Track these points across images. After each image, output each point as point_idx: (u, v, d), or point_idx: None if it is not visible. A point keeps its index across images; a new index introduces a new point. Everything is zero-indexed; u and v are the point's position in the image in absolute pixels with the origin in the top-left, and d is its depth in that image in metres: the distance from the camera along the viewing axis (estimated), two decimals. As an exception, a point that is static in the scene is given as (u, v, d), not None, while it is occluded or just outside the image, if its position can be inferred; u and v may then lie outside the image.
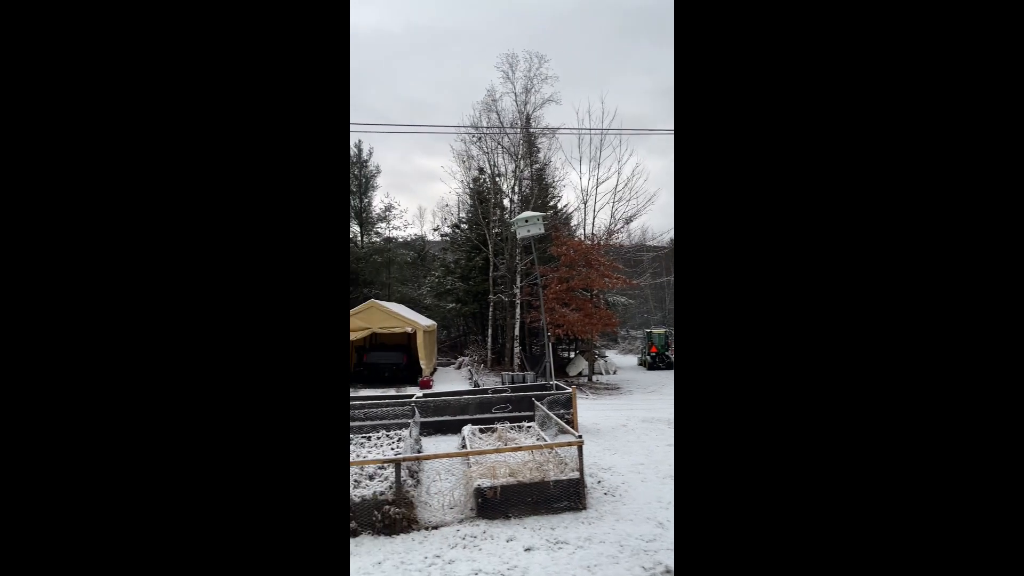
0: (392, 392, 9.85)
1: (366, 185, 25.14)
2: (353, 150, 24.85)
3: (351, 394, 9.49)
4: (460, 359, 16.69)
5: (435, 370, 13.19)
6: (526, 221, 11.23)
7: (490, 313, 16.27)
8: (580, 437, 4.55)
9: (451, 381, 12.52)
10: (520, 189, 16.57)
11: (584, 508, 4.17)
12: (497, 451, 4.49)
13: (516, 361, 14.38)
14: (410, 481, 4.35)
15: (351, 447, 5.43)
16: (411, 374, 12.28)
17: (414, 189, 45.29)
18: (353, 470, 4.46)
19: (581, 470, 4.30)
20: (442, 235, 24.08)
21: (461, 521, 3.99)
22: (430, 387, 10.88)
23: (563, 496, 4.15)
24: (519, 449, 4.54)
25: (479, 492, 4.06)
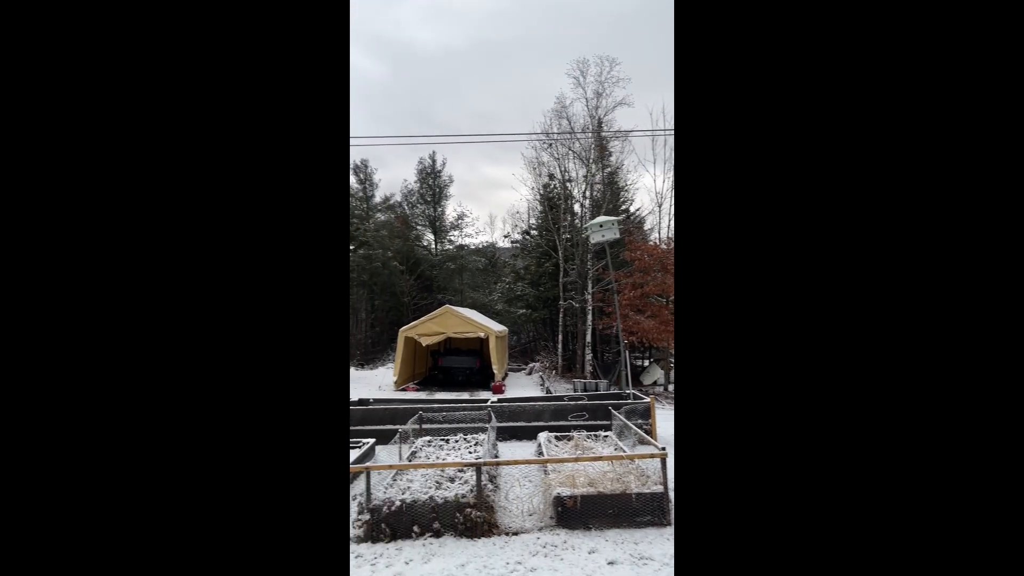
0: (466, 396, 10.04)
1: (439, 194, 25.98)
2: (427, 161, 25.78)
3: (428, 396, 9.78)
4: (531, 365, 16.70)
5: (506, 375, 13.29)
6: (600, 226, 11.05)
7: (560, 319, 16.16)
8: (663, 449, 4.37)
9: (522, 387, 12.55)
10: (591, 194, 16.37)
11: (669, 524, 3.99)
12: (576, 460, 4.42)
13: (588, 368, 14.16)
14: (490, 486, 4.39)
15: (431, 448, 5.58)
16: (483, 378, 12.46)
17: (481, 197, 46.27)
18: (434, 472, 4.57)
19: (665, 484, 4.12)
20: (512, 241, 24.30)
21: (541, 529, 3.95)
22: (502, 392, 10.97)
23: (646, 510, 4.00)
24: (599, 459, 4.43)
25: (559, 501, 4.01)
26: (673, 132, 14.85)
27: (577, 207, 17.25)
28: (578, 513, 3.95)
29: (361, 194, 26.06)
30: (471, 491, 3.99)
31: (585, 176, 16.31)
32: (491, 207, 56.90)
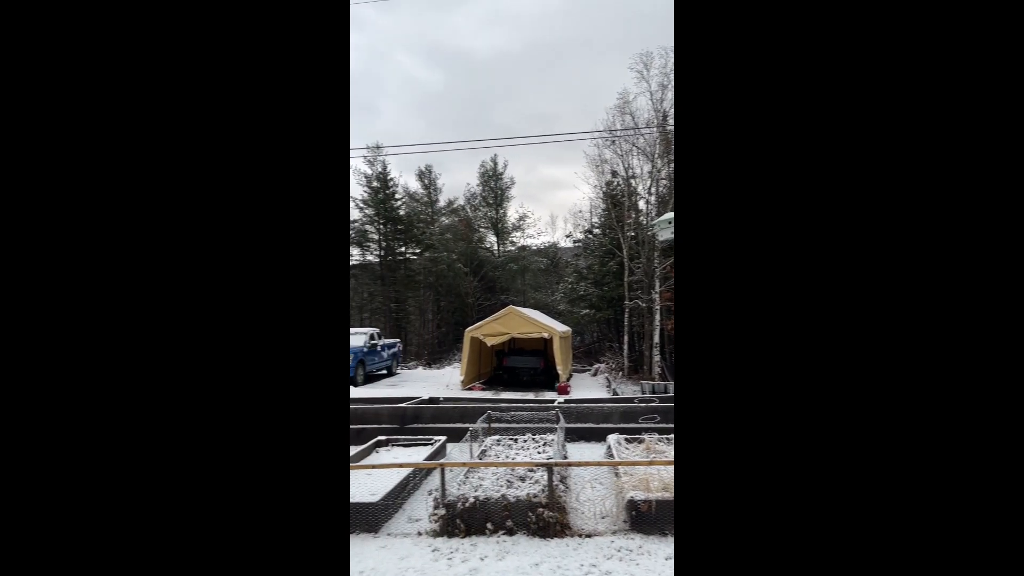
0: (531, 396, 10.07)
1: (501, 196, 26.27)
2: (488, 164, 26.15)
3: (494, 396, 9.90)
4: (595, 366, 16.47)
5: (571, 376, 13.19)
6: (669, 222, 10.70)
7: (626, 319, 15.81)
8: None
9: (587, 388, 12.40)
10: (657, 190, 15.89)
11: (752, 534, 3.78)
12: (651, 463, 4.30)
13: (656, 370, 13.75)
14: (561, 487, 4.37)
15: (500, 447, 5.65)
16: (548, 379, 12.43)
17: (541, 198, 46.25)
18: (504, 471, 4.62)
19: (747, 492, 3.91)
20: (574, 241, 24.11)
21: (614, 532, 3.88)
22: (568, 393, 10.90)
23: (726, 518, 3.81)
24: (674, 463, 4.29)
25: (632, 504, 3.92)
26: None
27: (642, 204, 16.82)
28: (653, 518, 3.84)
29: (426, 199, 26.87)
30: (543, 491, 3.99)
31: (650, 172, 15.86)
32: (552, 207, 56.77)
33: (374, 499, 4.06)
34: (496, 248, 26.42)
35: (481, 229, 26.70)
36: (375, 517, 3.97)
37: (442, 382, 12.98)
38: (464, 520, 3.88)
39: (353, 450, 5.87)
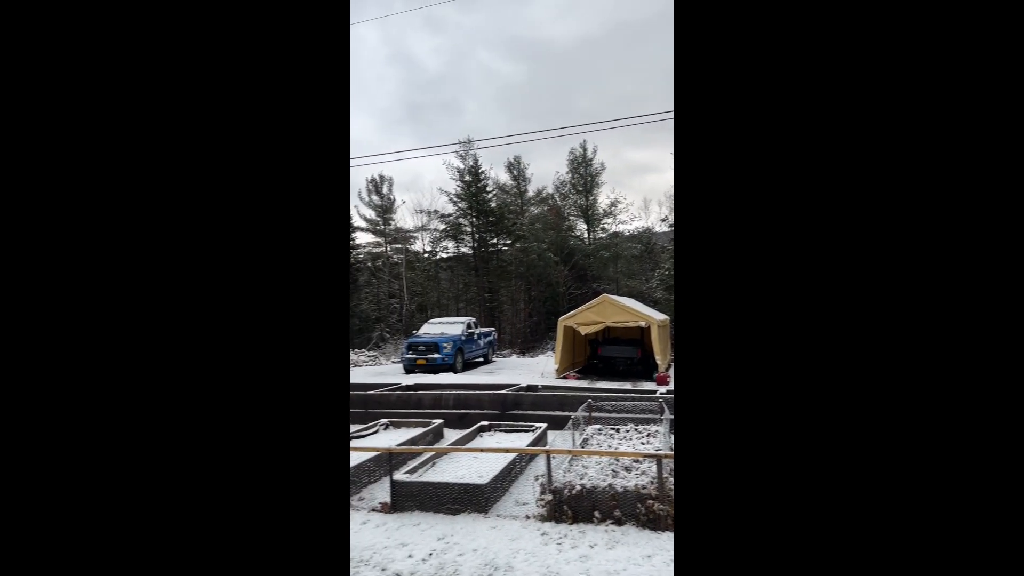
0: (628, 386, 9.84)
1: (591, 183, 25.79)
2: (578, 151, 25.75)
3: (590, 385, 9.81)
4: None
5: (670, 366, 12.68)
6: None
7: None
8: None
9: (689, 378, 11.82)
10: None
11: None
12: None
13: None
14: (670, 479, 4.22)
15: (601, 436, 5.59)
16: (645, 369, 12.07)
17: (628, 183, 44.72)
18: (607, 460, 4.56)
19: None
20: (670, 225, 23.04)
21: (731, 531, 3.68)
22: (667, 383, 10.49)
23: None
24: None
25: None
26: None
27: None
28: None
29: (515, 189, 27.15)
30: (651, 483, 3.89)
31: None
32: (643, 192, 54.75)
33: (482, 481, 4.22)
34: (587, 236, 26.05)
35: (571, 217, 26.46)
36: (484, 498, 4.12)
37: (536, 370, 13.12)
38: (571, 507, 3.90)
39: (458, 434, 6.15)
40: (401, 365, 14.08)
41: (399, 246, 30.01)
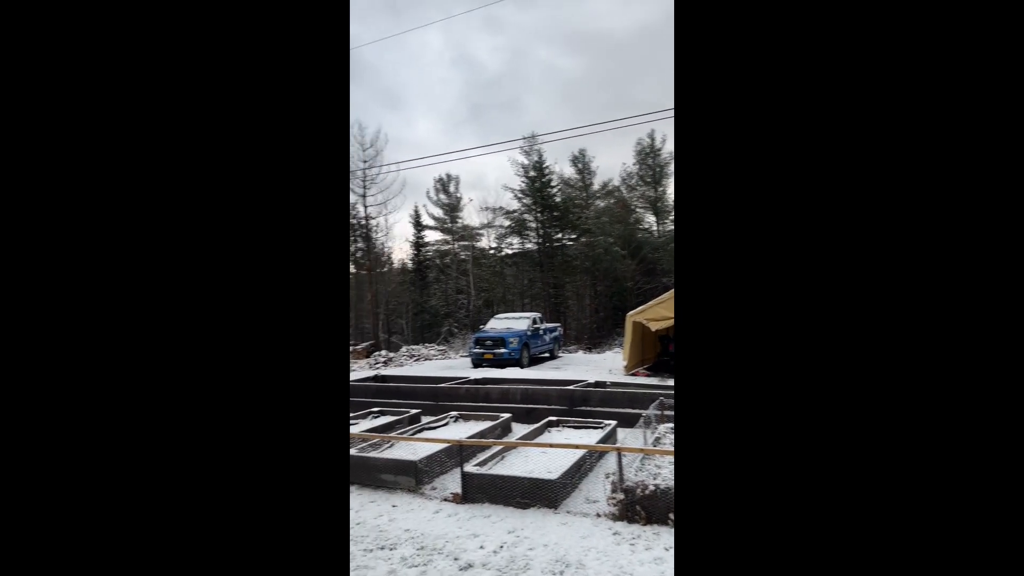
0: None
1: (660, 174, 24.90)
2: (645, 141, 24.95)
3: (660, 382, 9.48)
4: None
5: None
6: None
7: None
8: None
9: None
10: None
11: None
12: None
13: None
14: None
15: (673, 436, 5.37)
16: (721, 367, 11.47)
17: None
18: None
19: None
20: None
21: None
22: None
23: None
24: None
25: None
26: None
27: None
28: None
29: (580, 183, 26.80)
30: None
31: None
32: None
33: (552, 477, 4.18)
34: (656, 228, 25.21)
35: (639, 210, 25.72)
36: (554, 494, 4.08)
37: (604, 366, 12.88)
38: (644, 507, 3.77)
39: (526, 428, 6.15)
40: (469, 359, 14.35)
41: (466, 243, 30.60)
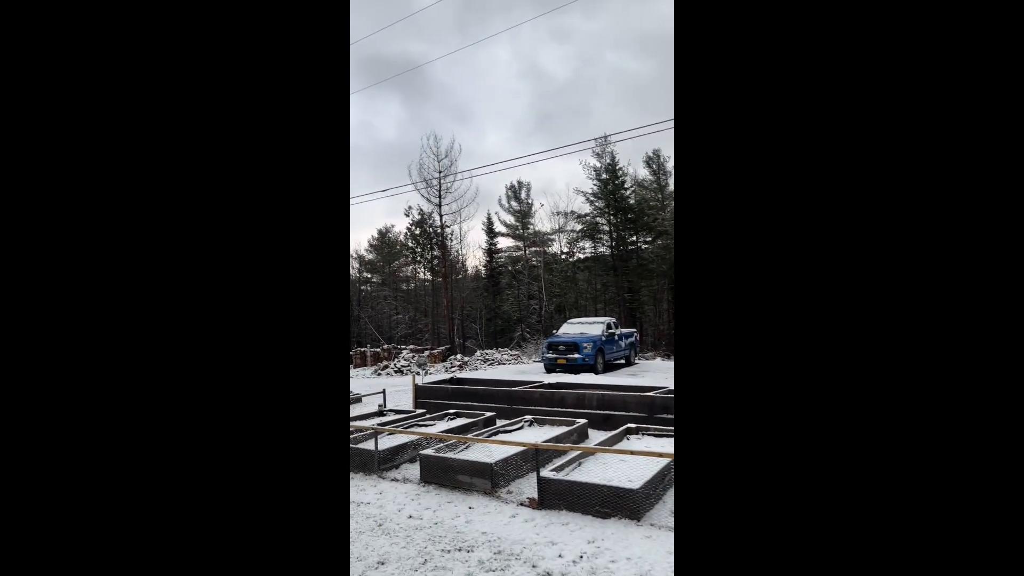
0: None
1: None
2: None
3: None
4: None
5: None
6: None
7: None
8: None
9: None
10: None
11: None
12: None
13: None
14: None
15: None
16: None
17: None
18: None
19: None
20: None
21: None
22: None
23: None
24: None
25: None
26: None
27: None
28: None
29: (655, 184, 25.93)
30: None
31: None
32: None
33: (633, 486, 3.95)
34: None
35: (719, 209, 24.38)
36: (636, 504, 3.85)
37: (685, 374, 12.22)
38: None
39: (604, 435, 5.93)
40: (542, 364, 14.24)
41: (537, 249, 30.64)
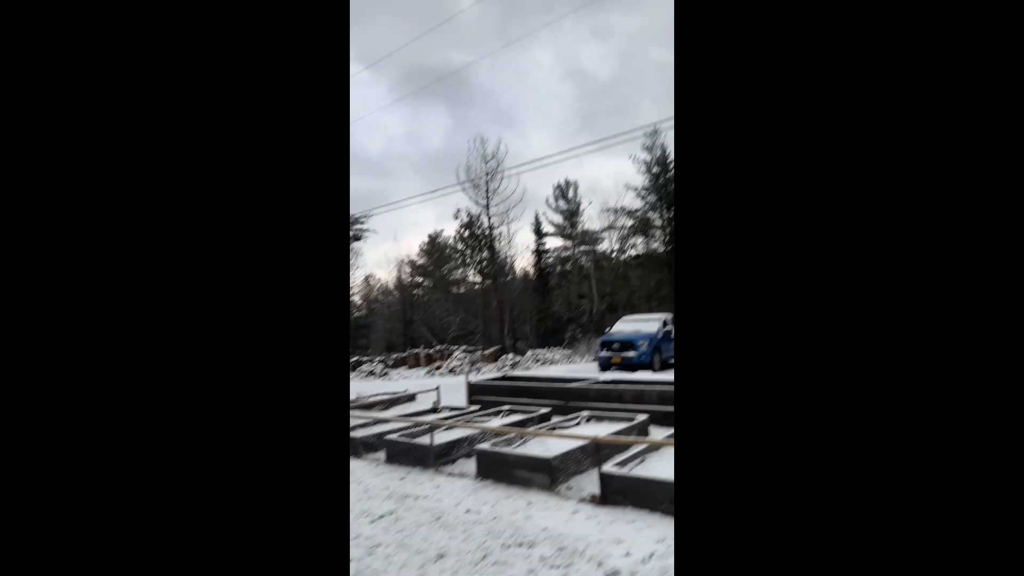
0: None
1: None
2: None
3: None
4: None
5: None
6: None
7: None
8: None
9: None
10: None
11: None
12: None
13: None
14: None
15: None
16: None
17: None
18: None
19: None
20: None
21: None
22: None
23: None
24: None
25: None
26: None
27: None
28: None
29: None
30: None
31: None
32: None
33: (705, 483, 3.66)
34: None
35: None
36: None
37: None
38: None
39: (666, 431, 5.64)
40: (595, 364, 13.92)
41: (586, 247, 30.19)
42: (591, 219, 35.65)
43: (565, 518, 3.69)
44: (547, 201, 31.45)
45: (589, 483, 4.35)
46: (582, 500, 4.04)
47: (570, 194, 31.55)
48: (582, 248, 31.04)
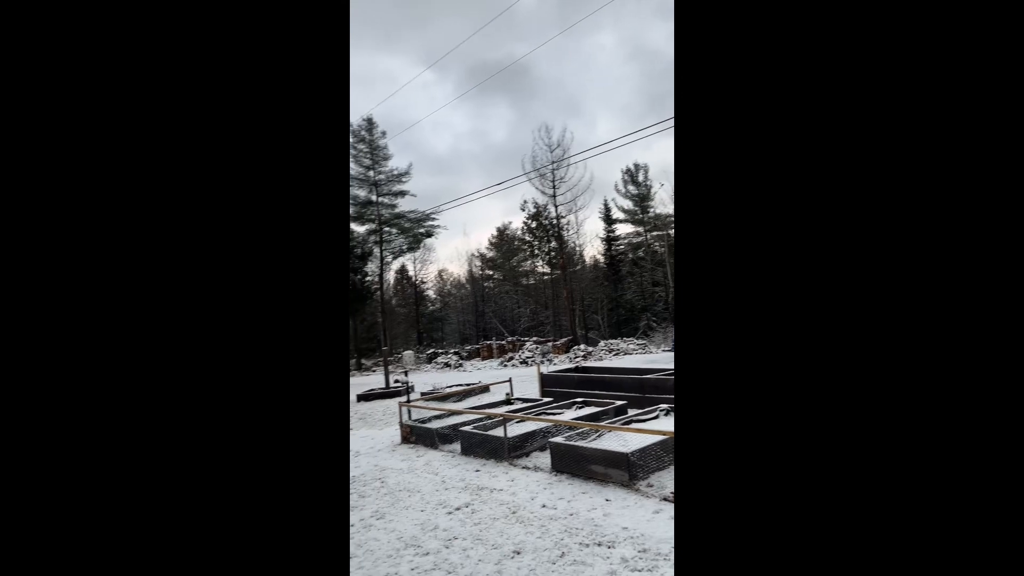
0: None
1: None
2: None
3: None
4: None
5: None
6: None
7: None
8: None
9: None
10: None
11: None
12: None
13: None
14: None
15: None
16: None
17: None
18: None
19: None
20: None
21: None
22: None
23: None
24: None
25: None
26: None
27: None
28: None
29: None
30: None
31: None
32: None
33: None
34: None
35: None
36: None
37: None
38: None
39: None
40: (671, 354, 13.33)
41: (659, 233, 29.06)
42: (663, 203, 34.15)
43: (646, 517, 3.50)
44: (616, 187, 30.59)
45: (669, 480, 4.11)
46: (664, 499, 3.82)
47: (640, 178, 30.47)
48: (655, 233, 29.92)
